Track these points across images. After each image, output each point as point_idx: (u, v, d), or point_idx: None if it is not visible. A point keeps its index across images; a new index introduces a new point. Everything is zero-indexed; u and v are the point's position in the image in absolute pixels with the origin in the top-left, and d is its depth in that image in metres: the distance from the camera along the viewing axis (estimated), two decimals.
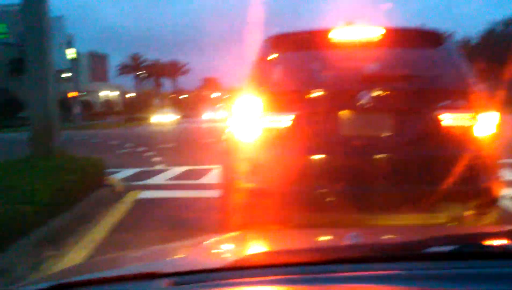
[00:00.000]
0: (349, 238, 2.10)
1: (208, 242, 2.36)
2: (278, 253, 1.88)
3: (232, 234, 2.73)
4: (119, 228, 6.46)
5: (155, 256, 2.20)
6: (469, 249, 1.60)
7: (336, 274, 1.50)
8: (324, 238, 2.40)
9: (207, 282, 1.48)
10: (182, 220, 6.73)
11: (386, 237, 2.37)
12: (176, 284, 1.47)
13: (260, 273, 1.52)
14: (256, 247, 2.29)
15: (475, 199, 4.18)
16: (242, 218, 4.25)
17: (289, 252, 1.84)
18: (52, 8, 9.80)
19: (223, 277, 1.51)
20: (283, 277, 1.49)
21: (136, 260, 2.18)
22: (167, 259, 2.08)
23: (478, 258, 1.57)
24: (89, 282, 1.61)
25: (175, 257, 2.11)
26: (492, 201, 4.28)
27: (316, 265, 1.55)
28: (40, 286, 1.63)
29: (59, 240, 5.66)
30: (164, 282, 1.48)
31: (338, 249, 1.82)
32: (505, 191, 4.69)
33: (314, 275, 1.50)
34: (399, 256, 1.60)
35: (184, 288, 1.45)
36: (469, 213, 4.16)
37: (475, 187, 4.15)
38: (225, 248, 2.24)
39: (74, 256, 5.23)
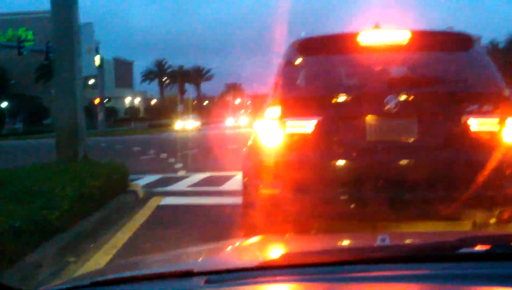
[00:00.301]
0: (380, 239, 2.09)
1: (236, 244, 2.42)
2: (307, 253, 1.87)
3: (258, 237, 2.75)
4: (141, 234, 6.46)
5: (188, 256, 2.27)
6: (501, 250, 1.58)
7: (368, 274, 1.51)
8: (354, 240, 2.42)
9: (241, 280, 1.54)
10: (204, 226, 6.71)
11: (416, 239, 2.36)
12: (212, 282, 1.53)
13: (289, 272, 1.56)
14: (284, 248, 2.30)
15: (502, 205, 4.09)
16: (265, 224, 4.21)
17: (318, 252, 1.85)
18: (80, 15, 9.90)
19: (256, 275, 1.56)
20: (312, 276, 1.52)
21: (170, 260, 2.24)
22: (201, 259, 2.15)
23: (510, 259, 1.56)
24: (128, 280, 1.65)
25: (208, 257, 2.18)
26: None
27: (347, 265, 1.56)
28: (80, 283, 1.67)
29: (82, 245, 5.67)
30: (201, 280, 1.53)
31: (369, 250, 1.81)
32: None
33: (345, 274, 1.51)
34: (430, 256, 1.59)
35: (219, 286, 1.52)
36: (496, 219, 4.07)
37: (501, 193, 4.07)
38: (253, 250, 2.29)
39: (96, 261, 5.24)
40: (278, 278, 1.54)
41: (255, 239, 2.62)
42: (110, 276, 1.73)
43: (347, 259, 1.59)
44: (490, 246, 1.59)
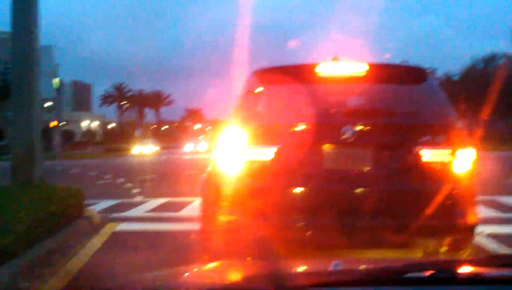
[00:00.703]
0: (333, 265, 2.15)
1: (196, 269, 2.46)
2: (265, 277, 1.90)
3: (217, 262, 2.77)
4: (96, 260, 6.37)
5: (148, 281, 2.26)
6: (444, 275, 1.67)
7: None
8: (309, 265, 2.45)
9: None
10: (160, 252, 6.66)
11: (367, 264, 2.44)
12: None
13: None
14: (242, 273, 2.33)
15: (451, 234, 4.22)
16: (224, 249, 4.23)
17: (276, 277, 1.88)
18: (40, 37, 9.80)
19: None
20: None
21: (130, 284, 2.23)
22: (162, 282, 2.15)
23: (453, 283, 1.66)
24: None
25: (169, 281, 2.18)
26: (467, 237, 4.32)
27: (303, 288, 1.62)
28: None
29: (36, 271, 5.56)
30: None
31: (324, 274, 1.87)
32: (480, 228, 4.72)
33: None
34: (379, 280, 1.65)
35: None
36: (444, 248, 4.19)
37: (451, 222, 4.20)
38: (213, 274, 2.32)
39: (51, 287, 5.14)
40: None
41: (214, 264, 2.65)
42: None
43: (303, 283, 1.64)
44: (434, 271, 1.68)
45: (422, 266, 1.77)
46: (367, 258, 3.62)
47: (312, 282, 1.66)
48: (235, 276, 2.25)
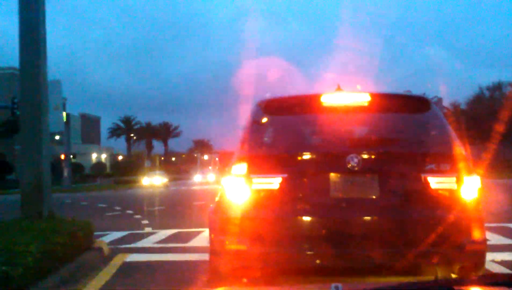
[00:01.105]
0: (333, 287, 2.19)
1: None
2: None
3: (222, 288, 2.79)
4: None
5: None
6: None
7: None
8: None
9: None
10: (169, 283, 6.66)
11: (364, 287, 2.47)
12: None
13: None
14: None
15: (461, 262, 4.21)
16: (231, 276, 4.25)
17: None
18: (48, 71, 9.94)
19: None
20: None
21: None
22: None
23: None
24: None
25: None
26: (477, 264, 4.31)
27: None
28: None
29: None
30: None
31: None
32: (492, 255, 4.69)
33: None
34: None
35: None
36: (456, 275, 4.18)
37: (461, 250, 4.19)
38: None
39: None
40: None
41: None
42: None
43: None
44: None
45: (417, 286, 1.81)
46: (366, 283, 3.64)
47: None
48: None
